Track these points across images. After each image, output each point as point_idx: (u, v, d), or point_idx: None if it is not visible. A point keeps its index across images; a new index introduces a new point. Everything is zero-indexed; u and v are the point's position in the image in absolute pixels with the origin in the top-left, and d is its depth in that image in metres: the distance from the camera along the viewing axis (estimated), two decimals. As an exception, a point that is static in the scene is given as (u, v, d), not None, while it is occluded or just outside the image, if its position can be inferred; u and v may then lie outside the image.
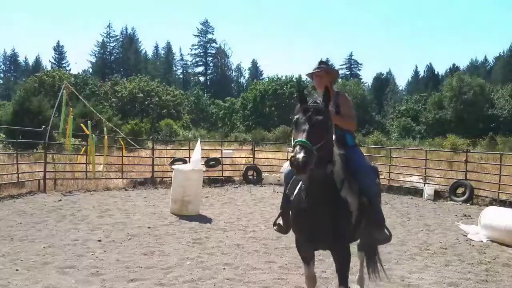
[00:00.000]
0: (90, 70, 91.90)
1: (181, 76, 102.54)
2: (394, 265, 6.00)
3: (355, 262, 4.44)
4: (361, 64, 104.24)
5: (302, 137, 3.04)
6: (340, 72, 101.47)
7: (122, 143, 15.15)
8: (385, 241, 4.00)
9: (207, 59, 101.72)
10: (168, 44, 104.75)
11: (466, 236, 8.08)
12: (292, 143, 3.13)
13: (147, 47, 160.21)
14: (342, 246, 3.58)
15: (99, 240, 6.76)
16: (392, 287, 5.15)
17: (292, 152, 3.02)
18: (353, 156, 3.85)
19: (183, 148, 23.09)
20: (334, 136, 3.41)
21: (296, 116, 3.26)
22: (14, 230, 7.20)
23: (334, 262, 3.69)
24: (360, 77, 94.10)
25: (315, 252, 4.02)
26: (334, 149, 3.40)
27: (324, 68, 4.17)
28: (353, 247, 4.22)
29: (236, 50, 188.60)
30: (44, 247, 6.24)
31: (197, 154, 9.90)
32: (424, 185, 13.74)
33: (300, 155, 2.91)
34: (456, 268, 6.04)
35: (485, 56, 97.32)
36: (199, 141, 10.86)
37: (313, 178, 3.26)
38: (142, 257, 5.98)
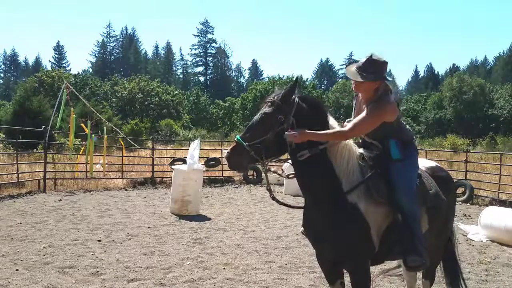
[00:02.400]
0: (90, 70, 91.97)
1: (181, 76, 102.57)
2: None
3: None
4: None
5: (241, 134, 3.00)
6: (340, 72, 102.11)
7: (122, 143, 15.16)
8: (416, 268, 3.29)
9: (207, 59, 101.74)
10: (168, 44, 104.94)
11: (466, 236, 8.07)
12: None
13: (147, 47, 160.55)
14: (350, 260, 3.10)
15: (99, 240, 6.75)
16: (392, 287, 5.15)
17: None
18: (394, 172, 3.15)
19: (183, 148, 23.08)
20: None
21: None
22: (14, 230, 7.19)
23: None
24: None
25: None
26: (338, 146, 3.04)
27: (368, 79, 3.04)
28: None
29: (236, 50, 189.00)
30: (44, 247, 6.23)
31: (191, 149, 9.75)
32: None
33: (226, 153, 2.95)
34: (456, 268, 6.03)
35: (485, 56, 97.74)
36: (196, 141, 10.51)
37: (302, 170, 3.05)
38: (142, 257, 5.98)
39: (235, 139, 2.93)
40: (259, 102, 3.18)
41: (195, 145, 9.88)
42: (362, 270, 3.12)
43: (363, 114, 3.06)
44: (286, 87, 3.06)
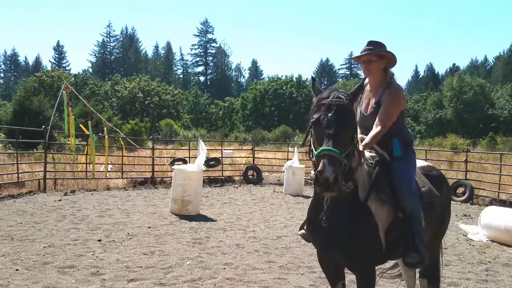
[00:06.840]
0: (90, 70, 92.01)
1: (181, 76, 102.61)
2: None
3: None
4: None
5: (328, 144, 2.50)
6: (340, 72, 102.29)
7: (122, 143, 15.16)
8: (414, 265, 3.19)
9: (207, 59, 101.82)
10: (168, 44, 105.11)
11: (466, 236, 8.08)
12: (314, 151, 2.60)
13: (147, 47, 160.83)
14: (362, 262, 3.02)
15: (99, 240, 6.75)
16: (392, 287, 5.15)
17: (315, 164, 2.50)
18: (395, 171, 3.18)
19: (183, 148, 23.10)
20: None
21: (315, 116, 2.68)
22: (14, 230, 7.19)
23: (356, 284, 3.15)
24: (360, 77, 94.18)
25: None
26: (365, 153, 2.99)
27: (374, 51, 3.29)
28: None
29: (236, 50, 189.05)
30: (44, 247, 6.23)
31: (201, 157, 9.89)
32: (424, 185, 13.71)
33: (329, 171, 2.40)
34: (456, 268, 6.04)
35: (485, 56, 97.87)
36: (202, 143, 10.62)
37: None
38: (142, 257, 5.98)
39: (328, 151, 2.46)
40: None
41: (201, 149, 10.02)
42: (369, 270, 3.09)
43: (384, 108, 3.21)
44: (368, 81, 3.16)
